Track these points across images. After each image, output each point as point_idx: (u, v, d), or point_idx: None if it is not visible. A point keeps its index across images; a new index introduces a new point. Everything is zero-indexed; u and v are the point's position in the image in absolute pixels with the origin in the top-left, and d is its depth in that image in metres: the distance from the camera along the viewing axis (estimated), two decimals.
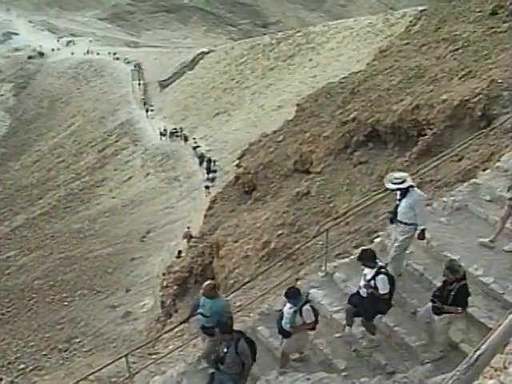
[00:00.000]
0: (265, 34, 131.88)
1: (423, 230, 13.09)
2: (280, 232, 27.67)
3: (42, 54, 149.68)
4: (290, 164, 34.49)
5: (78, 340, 46.26)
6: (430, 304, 11.87)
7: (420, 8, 52.79)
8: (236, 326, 14.24)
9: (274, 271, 21.76)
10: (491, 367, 6.41)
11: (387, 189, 13.61)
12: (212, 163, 72.12)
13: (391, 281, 12.21)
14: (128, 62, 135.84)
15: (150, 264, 56.00)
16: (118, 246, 62.89)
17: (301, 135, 35.79)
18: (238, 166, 43.18)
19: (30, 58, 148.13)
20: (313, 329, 12.62)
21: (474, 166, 18.44)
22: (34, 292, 57.78)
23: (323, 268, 15.20)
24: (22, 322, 52.66)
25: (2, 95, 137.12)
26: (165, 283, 39.38)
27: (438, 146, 23.33)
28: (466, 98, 23.13)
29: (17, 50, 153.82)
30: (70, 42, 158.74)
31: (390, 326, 12.76)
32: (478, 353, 6.02)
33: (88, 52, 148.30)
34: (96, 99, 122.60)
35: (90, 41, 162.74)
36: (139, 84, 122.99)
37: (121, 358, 13.55)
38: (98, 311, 50.60)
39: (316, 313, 12.45)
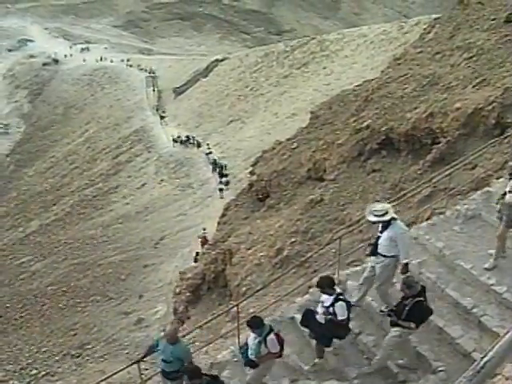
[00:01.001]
0: (279, 42, 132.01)
1: (406, 264, 12.83)
2: (293, 239, 27.64)
3: (56, 61, 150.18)
4: (304, 171, 34.46)
5: (90, 346, 46.33)
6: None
7: (434, 16, 52.89)
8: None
9: (287, 279, 21.76)
10: (502, 375, 6.39)
11: (369, 221, 13.30)
12: (223, 168, 73.97)
13: (348, 307, 12.28)
14: (142, 69, 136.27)
15: (163, 271, 56.07)
16: (131, 253, 63.05)
17: (314, 143, 35.78)
18: (251, 173, 43.17)
19: (44, 64, 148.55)
20: (279, 356, 12.43)
21: (487, 175, 18.39)
22: (47, 298, 57.95)
23: (336, 276, 15.15)
24: (34, 328, 52.78)
25: (16, 101, 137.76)
26: (177, 290, 39.37)
27: (451, 154, 23.27)
28: (480, 106, 23.07)
29: (32, 56, 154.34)
30: (85, 49, 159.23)
31: None
32: (485, 360, 6.01)
33: (101, 59, 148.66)
34: (110, 106, 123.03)
35: (105, 48, 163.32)
36: (154, 90, 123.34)
37: (133, 364, 13.53)
38: (110, 317, 50.68)
39: (281, 341, 12.28)
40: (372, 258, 13.33)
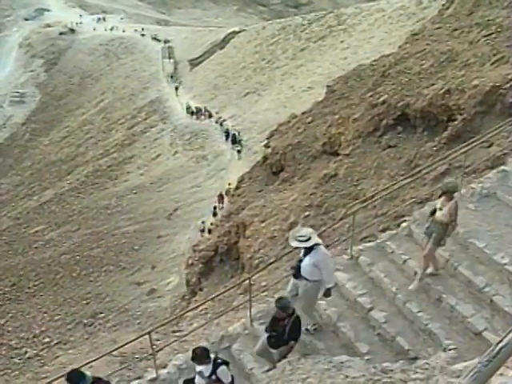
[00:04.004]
0: (296, 15, 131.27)
1: (329, 289, 12.87)
2: (307, 213, 27.69)
3: (73, 31, 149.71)
4: (319, 145, 34.42)
5: (102, 315, 46.74)
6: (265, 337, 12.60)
7: None
8: (260, 307, 14.31)
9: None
10: None
11: (292, 246, 13.21)
12: (237, 135, 76.56)
13: (228, 367, 12.02)
14: (155, 39, 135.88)
15: (177, 242, 56.34)
16: (144, 223, 63.33)
17: (330, 117, 35.70)
18: (266, 146, 43.16)
19: (61, 34, 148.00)
20: None
21: (503, 153, 18.29)
22: (60, 267, 58.35)
23: (348, 251, 15.17)
24: (48, 296, 53.19)
25: (33, 71, 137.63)
26: (190, 261, 39.56)
27: (467, 131, 23.15)
28: (498, 83, 22.91)
29: (48, 26, 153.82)
30: (101, 18, 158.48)
31: (414, 312, 12.74)
32: (500, 345, 5.96)
33: (111, 29, 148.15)
34: (126, 76, 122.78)
35: (121, 18, 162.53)
36: (169, 58, 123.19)
37: (144, 334, 13.63)
38: (123, 287, 51.04)
39: None
40: (295, 280, 13.18)
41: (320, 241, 12.80)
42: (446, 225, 12.72)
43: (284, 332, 11.94)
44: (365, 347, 12.59)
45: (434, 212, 13.01)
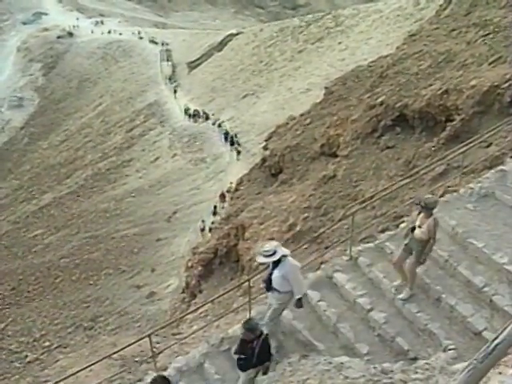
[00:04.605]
0: (294, 17, 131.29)
1: (299, 299, 12.73)
2: (306, 215, 27.70)
3: (70, 34, 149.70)
4: (317, 147, 34.46)
5: (102, 319, 46.70)
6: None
7: None
8: (259, 309, 14.31)
9: (299, 254, 21.73)
10: None
11: (259, 262, 13.25)
12: (235, 136, 76.98)
13: None
14: (153, 41, 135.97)
15: (176, 244, 56.32)
16: (144, 226, 63.29)
17: (328, 118, 35.74)
18: (264, 148, 43.19)
19: (59, 37, 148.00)
20: None
21: (501, 153, 18.29)
22: (60, 270, 58.32)
23: (348, 252, 15.15)
24: (47, 300, 53.17)
25: (31, 75, 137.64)
26: (190, 264, 39.57)
27: (465, 131, 23.17)
28: (496, 83, 22.93)
29: (46, 29, 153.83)
30: (99, 22, 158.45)
31: (413, 312, 12.74)
32: (496, 342, 5.97)
33: (109, 32, 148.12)
34: (124, 80, 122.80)
35: (119, 21, 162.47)
36: (168, 61, 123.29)
37: (144, 337, 13.61)
38: (123, 291, 51.00)
39: None
40: (268, 293, 13.16)
41: (287, 252, 12.73)
42: (426, 242, 12.67)
43: (253, 354, 11.80)
44: (365, 348, 12.57)
45: (413, 229, 12.96)
